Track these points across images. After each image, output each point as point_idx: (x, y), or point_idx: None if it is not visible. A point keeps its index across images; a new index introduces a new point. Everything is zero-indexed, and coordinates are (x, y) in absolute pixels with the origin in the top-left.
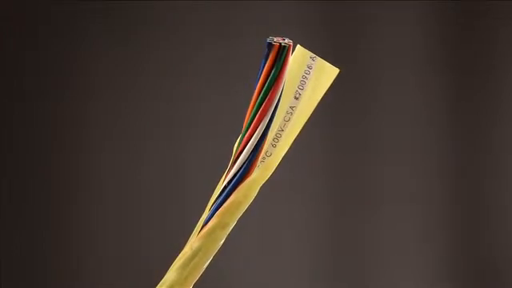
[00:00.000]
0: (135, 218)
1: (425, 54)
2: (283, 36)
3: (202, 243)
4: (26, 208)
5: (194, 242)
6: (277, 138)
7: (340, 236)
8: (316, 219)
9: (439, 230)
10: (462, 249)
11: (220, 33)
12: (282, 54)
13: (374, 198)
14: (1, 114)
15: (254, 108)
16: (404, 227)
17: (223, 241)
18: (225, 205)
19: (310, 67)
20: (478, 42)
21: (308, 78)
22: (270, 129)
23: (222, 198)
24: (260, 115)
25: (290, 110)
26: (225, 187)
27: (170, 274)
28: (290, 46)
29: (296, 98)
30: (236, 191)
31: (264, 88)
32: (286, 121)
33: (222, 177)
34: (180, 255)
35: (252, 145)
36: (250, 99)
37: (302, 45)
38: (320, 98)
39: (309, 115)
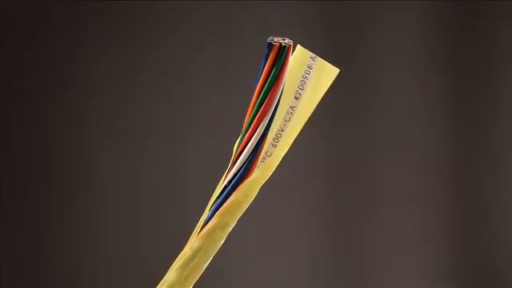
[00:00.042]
0: (135, 218)
1: (425, 54)
2: (283, 36)
3: (202, 243)
4: (25, 208)
5: (194, 242)
6: (277, 138)
7: (340, 236)
8: (316, 219)
9: (439, 230)
10: (462, 249)
11: (220, 33)
12: (283, 54)
13: (374, 198)
14: (1, 114)
15: (255, 108)
16: (404, 227)
17: (223, 241)
18: (225, 205)
19: (310, 67)
20: (478, 42)
21: (308, 78)
22: (270, 129)
23: (222, 198)
24: (260, 115)
25: (291, 110)
26: (225, 187)
27: (170, 274)
28: (290, 45)
29: (296, 98)
30: (236, 191)
31: (264, 88)
32: (287, 121)
33: (222, 177)
34: (180, 255)
35: (252, 145)
36: (250, 99)
37: (302, 45)
38: (320, 97)
39: (309, 115)
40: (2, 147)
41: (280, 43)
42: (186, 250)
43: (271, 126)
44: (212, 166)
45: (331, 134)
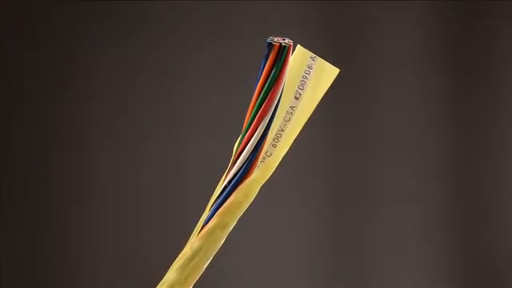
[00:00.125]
0: (135, 218)
1: (425, 54)
2: (283, 36)
3: (202, 243)
4: (26, 208)
5: (194, 242)
6: (277, 137)
7: (340, 236)
8: (316, 219)
9: (439, 230)
10: (462, 249)
11: (220, 33)
12: (283, 54)
13: (374, 198)
14: (1, 114)
15: (255, 108)
16: (404, 227)
17: (223, 241)
18: (225, 205)
19: (310, 67)
20: (478, 42)
21: (308, 78)
22: (270, 129)
23: (222, 197)
24: (260, 115)
25: (291, 110)
26: (225, 187)
27: (170, 274)
28: (290, 46)
29: (296, 98)
30: (236, 191)
31: (264, 88)
32: (287, 121)
33: (222, 177)
34: (180, 255)
35: (252, 145)
36: (250, 99)
37: (302, 45)
38: (320, 97)
39: (309, 115)
40: (1, 147)
41: (280, 43)
42: (186, 250)
43: (271, 126)
44: (212, 166)
45: (331, 134)
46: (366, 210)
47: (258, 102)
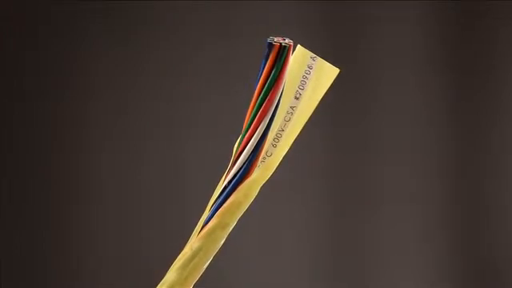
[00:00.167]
0: (135, 218)
1: (425, 54)
2: (283, 36)
3: (202, 243)
4: (25, 208)
5: (194, 242)
6: (277, 137)
7: (340, 236)
8: (316, 219)
9: (439, 230)
10: (462, 249)
11: (220, 33)
12: (283, 54)
13: (374, 198)
14: (1, 114)
15: (255, 108)
16: (404, 227)
17: (223, 241)
18: (225, 205)
19: (310, 67)
20: (478, 42)
21: (308, 78)
22: (271, 129)
23: (222, 198)
24: (260, 115)
25: (291, 110)
26: (225, 187)
27: (170, 275)
28: (290, 46)
29: (296, 98)
30: (236, 191)
31: (264, 88)
32: (287, 121)
33: (222, 177)
34: (180, 255)
35: (252, 145)
36: (250, 99)
37: (302, 45)
38: (320, 97)
39: (309, 115)
40: (2, 147)
41: (280, 43)
42: (186, 251)
43: (271, 126)
44: (212, 166)
45: (331, 134)
46: (366, 209)
47: (258, 102)
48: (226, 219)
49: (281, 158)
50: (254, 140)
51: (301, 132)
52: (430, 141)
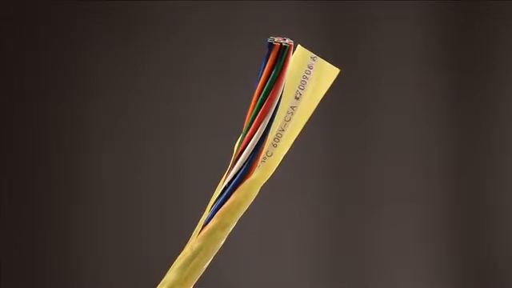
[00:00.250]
0: (135, 218)
1: (425, 54)
2: (284, 36)
3: (202, 244)
4: (26, 208)
5: (194, 242)
6: (277, 137)
7: (340, 236)
8: (316, 219)
9: (439, 230)
10: (462, 249)
11: (220, 33)
12: (283, 54)
13: (374, 198)
14: (1, 114)
15: (255, 108)
16: (404, 227)
17: (223, 241)
18: (225, 205)
19: (310, 67)
20: (478, 42)
21: (309, 78)
22: (271, 129)
23: (222, 198)
24: (261, 115)
25: (291, 110)
26: (225, 187)
27: (171, 275)
28: (290, 46)
29: (297, 98)
30: (236, 191)
31: (265, 88)
32: (287, 121)
33: (222, 177)
34: (180, 256)
35: (253, 145)
36: (251, 99)
37: (302, 45)
38: (321, 97)
39: (309, 115)
40: (2, 147)
41: (280, 43)
42: (186, 251)
43: (272, 126)
44: (212, 166)
45: (331, 134)
46: (366, 209)
47: (259, 102)
48: (226, 219)
49: (281, 158)
50: (255, 140)
51: (301, 132)
52: (429, 141)
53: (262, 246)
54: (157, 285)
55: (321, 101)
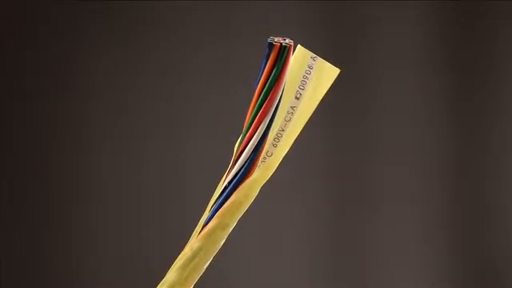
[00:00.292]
0: (135, 218)
1: (425, 54)
2: (284, 36)
3: (202, 244)
4: (26, 208)
5: (194, 242)
6: (278, 137)
7: (340, 236)
8: (316, 219)
9: (439, 230)
10: (462, 249)
11: (220, 33)
12: (283, 54)
13: (374, 198)
14: (1, 114)
15: (255, 108)
16: (404, 227)
17: (223, 241)
18: (225, 205)
19: (310, 67)
20: (478, 42)
21: (309, 78)
22: (271, 129)
23: (222, 198)
24: (261, 115)
25: (291, 110)
26: (225, 187)
27: (171, 275)
28: (290, 46)
29: (297, 98)
30: (237, 191)
31: (265, 88)
32: (287, 121)
33: (222, 177)
34: (180, 256)
35: (253, 145)
36: (251, 99)
37: (302, 45)
38: (321, 97)
39: (310, 115)
40: (2, 147)
41: (281, 43)
42: (187, 251)
43: (272, 126)
44: (212, 166)
45: (331, 134)
46: (366, 209)
47: (259, 102)
48: (226, 219)
49: (281, 158)
50: (255, 140)
51: (301, 132)
52: (429, 141)
53: (262, 246)
54: (157, 285)
55: (321, 101)
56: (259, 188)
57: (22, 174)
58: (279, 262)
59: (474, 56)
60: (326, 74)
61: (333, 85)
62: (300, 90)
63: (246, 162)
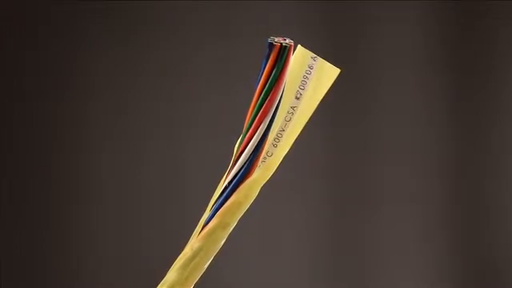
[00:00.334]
0: (135, 218)
1: (425, 54)
2: (284, 36)
3: (202, 244)
4: (26, 208)
5: (194, 242)
6: (278, 137)
7: (340, 236)
8: (316, 219)
9: (439, 230)
10: (462, 249)
11: (220, 33)
12: (283, 54)
13: (374, 198)
14: (1, 114)
15: (255, 108)
16: (404, 227)
17: (224, 241)
18: (225, 205)
19: (311, 67)
20: (478, 42)
21: (309, 78)
22: (271, 129)
23: (222, 198)
24: (261, 115)
25: (291, 110)
26: (225, 187)
27: (171, 275)
28: (291, 46)
29: (297, 98)
30: (237, 191)
31: (265, 88)
32: (287, 121)
33: (222, 177)
34: (180, 255)
35: (253, 145)
36: (251, 99)
37: (302, 45)
38: (321, 97)
39: (310, 115)
40: (2, 147)
41: (281, 43)
42: (187, 251)
43: (272, 126)
44: (212, 166)
45: (331, 134)
46: (366, 209)
47: (259, 102)
48: (226, 219)
49: (281, 158)
50: (255, 140)
51: (301, 132)
52: (429, 141)
53: (262, 246)
54: (157, 285)
55: (321, 101)
56: (259, 188)
57: (21, 174)
58: (279, 262)
59: (474, 56)
60: (327, 74)
61: (333, 85)
62: (300, 90)
63: (246, 162)
